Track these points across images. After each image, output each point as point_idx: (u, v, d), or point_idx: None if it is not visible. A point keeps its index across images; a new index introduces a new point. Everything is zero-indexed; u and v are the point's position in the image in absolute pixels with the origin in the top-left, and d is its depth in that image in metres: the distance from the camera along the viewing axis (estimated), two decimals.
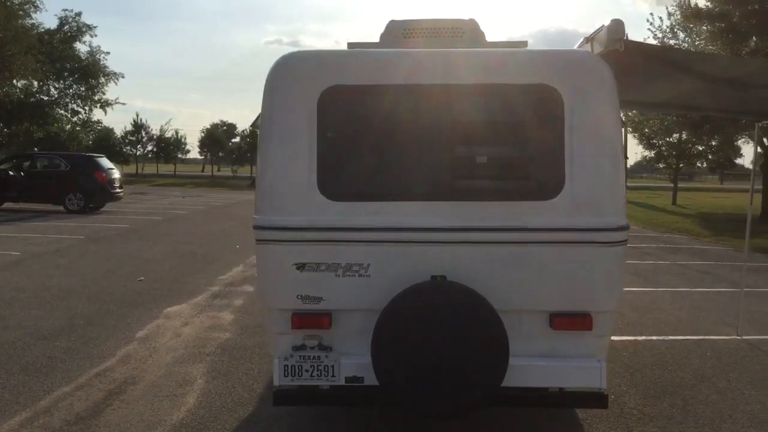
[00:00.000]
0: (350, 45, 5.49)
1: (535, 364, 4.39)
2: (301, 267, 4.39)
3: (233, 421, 5.29)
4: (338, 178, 4.44)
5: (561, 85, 4.35)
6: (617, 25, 4.48)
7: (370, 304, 4.41)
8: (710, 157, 40.76)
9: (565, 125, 4.34)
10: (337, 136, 4.47)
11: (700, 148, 38.46)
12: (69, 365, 6.62)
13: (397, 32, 5.51)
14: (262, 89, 4.65)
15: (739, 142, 36.84)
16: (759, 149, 25.42)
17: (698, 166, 50.80)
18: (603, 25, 4.58)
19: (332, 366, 4.39)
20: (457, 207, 4.35)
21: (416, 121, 4.46)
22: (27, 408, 5.53)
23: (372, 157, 4.52)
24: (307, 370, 4.40)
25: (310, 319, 4.44)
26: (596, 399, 4.39)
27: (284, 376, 4.41)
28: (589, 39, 4.81)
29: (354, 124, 4.53)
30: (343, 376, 4.39)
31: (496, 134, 4.43)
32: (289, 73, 4.50)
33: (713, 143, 36.92)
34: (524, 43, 4.95)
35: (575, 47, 4.95)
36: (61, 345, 7.28)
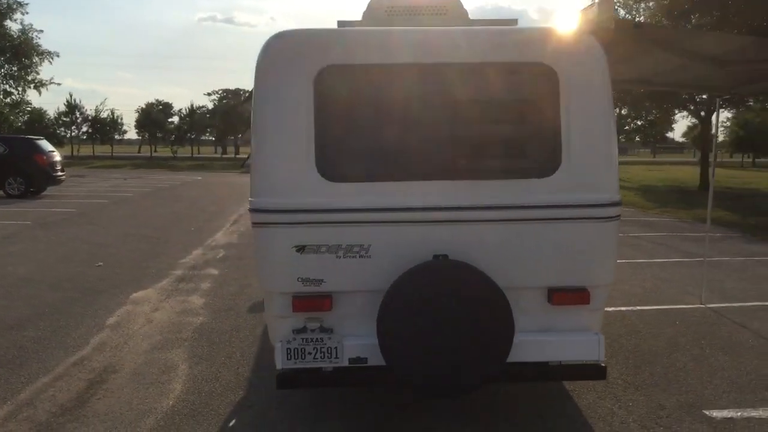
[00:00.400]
0: (340, 24, 5.42)
1: (535, 339, 4.45)
2: (301, 249, 4.35)
3: (226, 406, 5.23)
4: (337, 158, 4.39)
5: (557, 64, 4.38)
6: (608, 3, 4.52)
7: (372, 285, 4.40)
8: (648, 131, 41.89)
9: (561, 103, 4.37)
10: (335, 116, 4.41)
11: (639, 123, 39.46)
12: (42, 355, 6.43)
13: (380, 10, 5.46)
14: (254, 68, 4.55)
15: (677, 116, 37.90)
16: (696, 121, 26.08)
17: (636, 140, 52.12)
18: (594, 2, 4.62)
19: (335, 348, 4.37)
20: (457, 186, 4.35)
21: (415, 100, 4.43)
22: (8, 401, 5.35)
23: (371, 137, 4.48)
24: (310, 353, 4.37)
25: (312, 302, 4.40)
26: (595, 371, 4.49)
27: (287, 359, 4.37)
28: (576, 16, 4.84)
29: (351, 104, 4.48)
30: (347, 358, 4.38)
31: (494, 113, 4.44)
32: (284, 52, 4.41)
33: (650, 118, 37.91)
34: (514, 21, 4.96)
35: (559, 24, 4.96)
36: (30, 335, 7.06)
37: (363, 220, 4.33)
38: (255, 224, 4.44)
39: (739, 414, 4.95)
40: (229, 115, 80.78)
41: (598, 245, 4.46)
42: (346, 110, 4.46)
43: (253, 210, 4.43)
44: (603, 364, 4.48)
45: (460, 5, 5.50)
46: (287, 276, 4.39)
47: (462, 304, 4.10)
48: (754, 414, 4.95)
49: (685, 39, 5.39)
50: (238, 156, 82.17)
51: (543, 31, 4.54)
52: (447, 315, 4.10)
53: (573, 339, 4.47)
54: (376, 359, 4.38)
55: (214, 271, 10.57)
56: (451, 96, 4.33)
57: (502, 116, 4.42)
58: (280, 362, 4.37)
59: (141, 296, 8.87)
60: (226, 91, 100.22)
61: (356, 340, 4.41)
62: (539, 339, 4.46)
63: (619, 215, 4.50)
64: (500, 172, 4.39)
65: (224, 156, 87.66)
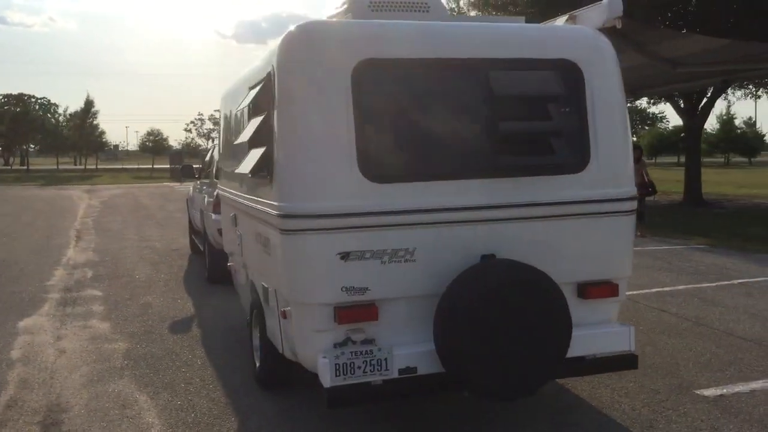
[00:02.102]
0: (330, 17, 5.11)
1: (573, 334, 4.46)
2: (345, 256, 4.04)
3: None
4: (379, 158, 4.13)
5: (581, 61, 4.44)
6: (617, 3, 4.65)
7: (418, 290, 4.19)
8: None
9: (587, 100, 4.44)
10: (375, 113, 4.13)
11: None
12: None
13: (363, 4, 5.21)
14: (276, 62, 4.18)
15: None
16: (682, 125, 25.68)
17: None
18: (601, 1, 4.72)
19: (385, 359, 4.09)
20: (498, 184, 4.27)
21: (453, 96, 4.30)
22: None
23: (412, 134, 4.26)
24: (359, 367, 4.06)
25: (357, 312, 4.10)
26: (629, 361, 4.59)
27: (335, 375, 4.03)
28: (572, 16, 4.93)
29: (391, 101, 4.23)
30: (396, 369, 4.12)
31: (528, 109, 4.39)
32: (316, 44, 4.09)
33: None
34: (521, 19, 4.96)
35: (557, 23, 5.04)
36: None
37: (409, 223, 4.11)
38: (288, 231, 4.06)
39: (725, 390, 5.30)
40: (18, 123, 74.20)
41: (622, 238, 4.58)
42: (386, 107, 4.21)
43: (288, 216, 4.05)
44: (635, 353, 4.60)
45: (440, 2, 5.40)
46: (329, 286, 4.06)
47: (526, 304, 4.02)
48: (739, 389, 5.31)
49: (653, 43, 5.68)
50: (30, 168, 75.72)
51: (566, 28, 4.59)
52: (512, 316, 3.98)
53: (606, 331, 4.54)
54: (425, 367, 4.17)
55: (97, 293, 9.61)
56: (488, 92, 4.23)
57: (536, 112, 4.38)
58: (328, 380, 4.02)
59: (30, 325, 7.84)
60: (7, 96, 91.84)
61: (404, 349, 4.16)
62: (576, 334, 4.46)
63: (635, 208, 4.64)
64: (536, 169, 4.36)
65: (13, 167, 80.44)
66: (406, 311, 4.21)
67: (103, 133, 77.91)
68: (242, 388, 5.58)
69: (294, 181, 4.09)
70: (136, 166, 77.92)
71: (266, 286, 4.86)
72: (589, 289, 4.48)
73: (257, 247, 4.94)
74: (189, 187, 13.08)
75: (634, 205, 4.58)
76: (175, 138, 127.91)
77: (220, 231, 9.05)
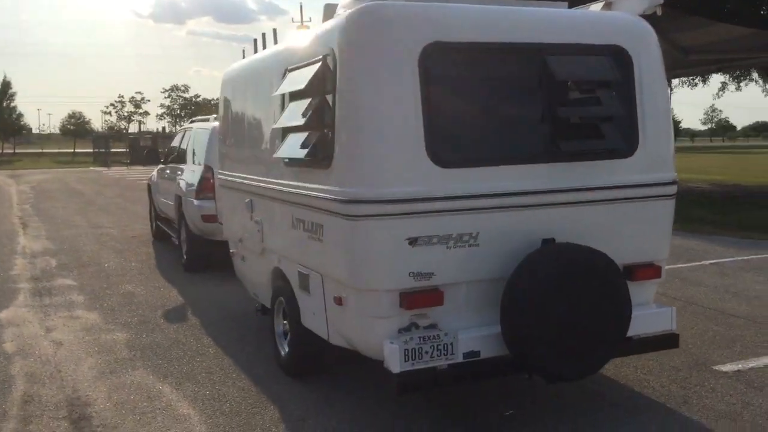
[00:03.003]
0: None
1: None
2: (413, 242, 4.01)
3: (273, 423, 4.64)
4: (446, 143, 4.10)
5: (630, 48, 4.52)
6: None
7: (480, 274, 4.21)
8: None
9: (635, 86, 4.53)
10: (441, 97, 4.11)
11: None
12: None
13: None
14: (339, 43, 4.10)
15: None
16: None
17: None
18: None
19: (451, 344, 4.10)
20: (558, 168, 4.32)
21: (515, 81, 4.32)
22: None
23: (477, 119, 4.26)
24: (427, 352, 4.05)
25: (424, 297, 4.09)
26: (672, 340, 4.73)
27: (404, 361, 4.01)
28: (608, 2, 5.01)
29: (456, 85, 4.22)
30: (461, 353, 4.13)
31: (585, 94, 4.45)
32: (385, 26, 4.03)
33: None
34: (563, 4, 5.00)
35: (592, 8, 5.10)
36: None
37: (475, 207, 4.12)
38: (355, 217, 4.00)
39: (740, 366, 5.53)
40: None
41: (665, 221, 4.71)
42: (451, 91, 4.20)
43: (355, 201, 3.99)
44: (677, 333, 4.75)
45: None
46: (397, 271, 4.03)
47: (593, 287, 4.09)
48: (753, 365, 5.56)
49: (672, 32, 5.83)
50: None
51: (615, 14, 4.66)
52: (580, 298, 4.05)
53: (652, 312, 4.67)
54: (488, 351, 4.20)
55: (70, 282, 9.26)
56: (549, 76, 4.26)
57: (592, 97, 4.45)
58: (397, 365, 3.99)
59: (12, 316, 7.50)
60: None
61: (468, 333, 4.18)
62: None
63: (676, 192, 4.77)
64: (592, 153, 4.43)
65: None
66: (468, 295, 4.23)
67: (21, 116, 74.67)
68: (267, 376, 5.49)
69: (361, 166, 4.03)
70: (57, 150, 75.04)
71: (306, 272, 4.78)
72: (637, 271, 4.59)
73: (296, 234, 4.85)
74: (153, 172, 12.69)
75: (675, 189, 4.71)
76: (94, 121, 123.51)
77: (204, 217, 8.88)
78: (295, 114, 4.66)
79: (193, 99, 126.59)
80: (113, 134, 75.79)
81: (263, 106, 5.60)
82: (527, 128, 4.34)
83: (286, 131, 4.88)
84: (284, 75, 4.96)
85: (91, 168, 43.20)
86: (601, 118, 4.45)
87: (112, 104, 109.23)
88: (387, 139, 4.00)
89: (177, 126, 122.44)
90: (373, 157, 4.00)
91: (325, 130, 4.27)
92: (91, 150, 58.70)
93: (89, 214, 17.30)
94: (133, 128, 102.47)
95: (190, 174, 9.60)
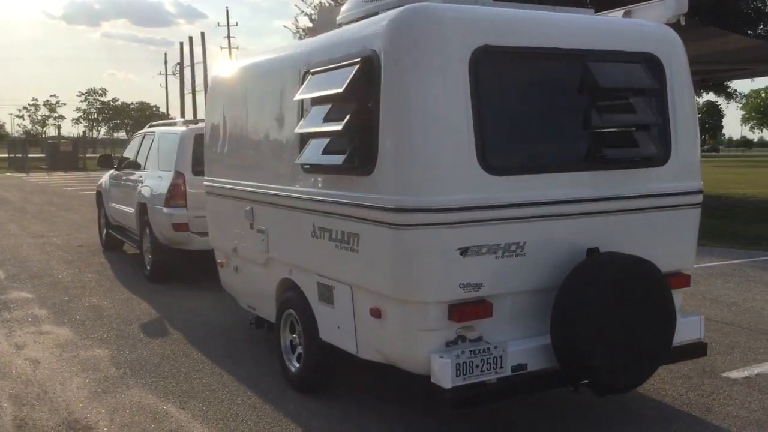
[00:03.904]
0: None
1: None
2: (464, 252, 3.87)
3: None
4: (496, 149, 3.98)
5: (663, 56, 4.52)
6: (684, 0, 4.76)
7: (527, 285, 4.11)
8: None
9: (668, 94, 4.53)
10: (490, 103, 3.97)
11: None
12: None
13: None
14: (385, 45, 3.94)
15: None
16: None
17: None
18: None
19: (500, 357, 3.97)
20: (600, 176, 4.27)
21: (561, 87, 4.25)
22: None
23: (526, 125, 4.16)
24: (477, 366, 3.91)
25: (474, 309, 3.95)
26: (701, 349, 4.73)
27: (456, 376, 3.85)
28: (629, 11, 5.00)
29: (504, 90, 4.11)
30: (509, 366, 4.01)
31: (626, 101, 4.40)
32: (435, 29, 3.89)
33: None
34: (590, 11, 4.95)
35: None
36: None
37: (523, 216, 4.02)
38: (404, 226, 3.83)
39: (746, 373, 5.61)
40: None
41: (692, 230, 4.72)
42: (500, 96, 4.07)
43: (405, 210, 3.83)
44: (705, 341, 4.76)
45: None
46: (448, 282, 3.89)
47: (644, 297, 4.04)
48: (759, 371, 5.64)
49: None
50: None
51: (646, 23, 4.65)
52: (632, 308, 4.00)
53: (683, 321, 4.64)
54: (535, 364, 4.10)
55: (26, 294, 8.71)
56: (593, 83, 4.20)
57: (632, 105, 4.40)
58: (449, 380, 3.84)
59: None
60: None
61: (515, 345, 4.06)
62: None
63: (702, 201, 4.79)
64: (631, 161, 4.40)
65: None
66: (513, 307, 4.12)
67: None
68: (276, 392, 5.23)
69: (410, 173, 3.87)
70: None
71: (330, 284, 4.58)
72: (670, 280, 4.56)
73: (317, 243, 4.63)
74: (103, 178, 12.10)
75: (701, 197, 4.72)
76: (6, 125, 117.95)
77: (175, 226, 8.52)
78: (321, 119, 4.45)
79: (111, 103, 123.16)
80: (30, 139, 72.68)
81: (271, 109, 5.35)
82: (572, 135, 4.27)
83: (308, 136, 4.66)
84: (304, 78, 4.74)
85: (8, 174, 41.15)
86: (641, 125, 4.43)
87: (25, 108, 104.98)
88: (438, 145, 3.85)
89: (94, 131, 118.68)
90: (424, 163, 3.85)
91: (366, 136, 4.08)
92: (6, 155, 56.04)
93: (24, 222, 16.41)
94: (49, 132, 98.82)
95: (155, 181, 9.17)
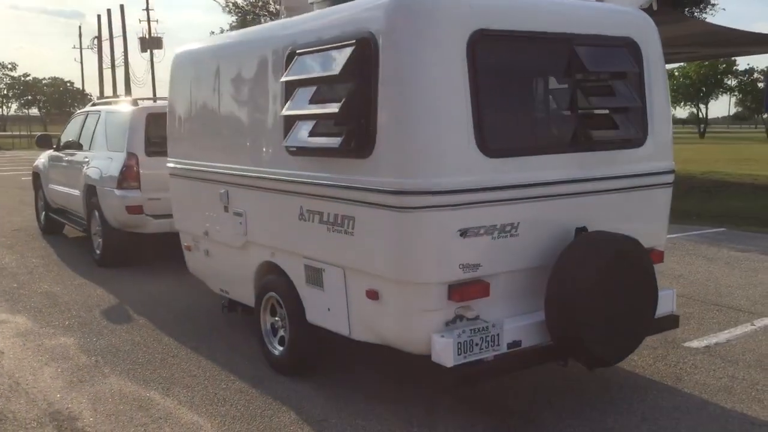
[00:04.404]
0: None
1: None
2: (464, 233, 3.95)
3: (296, 425, 4.43)
4: (493, 133, 4.06)
5: (640, 40, 4.68)
6: None
7: (520, 264, 4.24)
8: None
9: (644, 78, 4.70)
10: (486, 86, 4.03)
11: None
12: None
13: None
14: (384, 28, 3.95)
15: None
16: None
17: None
18: None
19: (497, 334, 4.08)
20: (587, 157, 4.41)
21: (551, 70, 4.36)
22: None
23: (519, 108, 4.27)
24: (477, 344, 4.01)
25: (472, 289, 4.05)
26: (673, 321, 4.96)
27: (458, 354, 3.95)
28: None
29: (500, 74, 4.18)
30: (506, 343, 4.13)
31: (607, 85, 4.54)
32: (433, 11, 3.92)
33: None
34: None
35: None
36: None
37: (518, 197, 4.12)
38: (406, 209, 3.88)
39: (706, 342, 5.92)
40: None
41: (665, 208, 4.94)
42: (496, 79, 4.15)
43: (405, 192, 3.87)
44: (677, 314, 4.99)
45: None
46: (448, 263, 3.96)
47: (632, 272, 4.22)
48: (716, 340, 5.96)
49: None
50: None
51: (624, 8, 4.79)
52: (622, 284, 4.17)
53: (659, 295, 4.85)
54: (529, 340, 4.24)
55: None
56: (581, 66, 4.32)
57: (616, 87, 4.54)
58: (451, 359, 3.93)
59: None
60: None
61: (510, 323, 4.18)
62: None
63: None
64: (616, 142, 4.56)
65: None
66: (506, 285, 4.23)
67: None
68: (261, 376, 5.21)
69: (411, 156, 3.91)
70: None
71: (319, 266, 4.59)
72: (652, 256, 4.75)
73: (305, 226, 4.63)
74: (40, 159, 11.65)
75: (673, 177, 4.93)
76: None
77: (129, 209, 8.34)
78: (312, 101, 4.43)
79: (22, 78, 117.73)
80: None
81: (250, 91, 5.28)
82: (561, 117, 4.40)
83: (295, 119, 4.63)
84: (290, 59, 4.69)
85: None
86: (624, 108, 4.59)
87: None
88: (438, 127, 3.90)
89: (4, 107, 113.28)
90: (425, 146, 3.89)
91: (362, 119, 4.09)
92: None
93: None
94: None
95: (104, 162, 8.89)
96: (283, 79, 4.66)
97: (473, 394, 4.78)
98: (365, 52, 4.04)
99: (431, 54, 3.89)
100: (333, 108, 4.20)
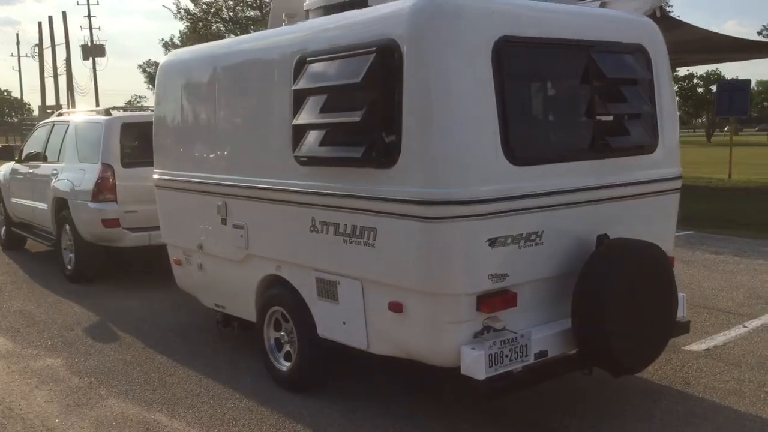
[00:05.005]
0: None
1: None
2: (493, 242, 3.89)
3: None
4: (519, 141, 4.00)
5: (650, 47, 4.71)
6: None
7: (544, 272, 4.20)
8: None
9: (654, 84, 4.73)
10: (512, 93, 3.98)
11: None
12: None
13: None
14: (408, 34, 3.86)
15: None
16: None
17: None
18: None
19: (525, 345, 4.03)
20: (606, 164, 4.40)
21: (572, 77, 4.34)
22: None
23: (544, 115, 4.24)
24: (506, 355, 3.95)
25: (500, 300, 3.98)
26: (685, 326, 4.98)
27: (489, 366, 3.88)
28: (604, 3, 5.17)
29: (525, 81, 4.17)
30: (533, 354, 4.08)
31: (624, 91, 4.52)
32: (459, 18, 3.85)
33: None
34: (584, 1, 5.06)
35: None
36: None
37: (543, 206, 4.08)
38: (434, 219, 3.80)
39: (705, 345, 5.97)
40: None
41: (674, 214, 4.97)
42: (521, 87, 4.12)
43: (434, 202, 3.79)
44: (688, 319, 5.02)
45: None
46: (477, 274, 3.90)
47: (657, 279, 4.22)
48: (715, 343, 6.03)
49: None
50: None
51: (633, 16, 4.81)
52: (648, 291, 4.16)
53: None
54: (554, 350, 4.20)
55: None
56: (599, 74, 4.31)
57: (630, 94, 4.54)
58: (482, 371, 3.85)
59: None
60: None
61: (537, 333, 4.13)
62: None
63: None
64: (628, 149, 4.55)
65: None
66: (532, 295, 4.18)
67: None
68: (267, 393, 5.05)
69: (440, 165, 3.83)
70: None
71: (333, 279, 4.48)
72: None
73: (318, 238, 4.51)
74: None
75: (681, 182, 4.97)
76: None
77: (105, 222, 8.07)
78: (327, 109, 4.32)
79: None
80: None
81: (253, 99, 5.13)
82: (581, 124, 4.38)
83: (306, 128, 4.50)
84: (300, 66, 4.56)
85: None
86: (640, 114, 4.60)
87: None
88: (466, 136, 3.84)
89: None
90: (453, 155, 3.82)
91: (386, 128, 4.00)
92: None
93: None
94: None
95: (76, 174, 8.57)
96: (294, 87, 4.53)
97: (494, 406, 4.71)
98: (388, 60, 3.95)
99: (458, 61, 3.82)
100: (354, 117, 4.10)
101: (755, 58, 20.08)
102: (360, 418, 4.62)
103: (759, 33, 64.11)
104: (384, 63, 3.97)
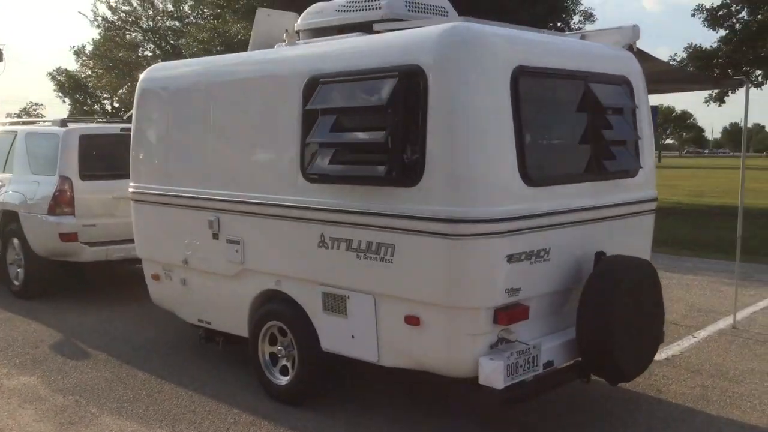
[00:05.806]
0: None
1: None
2: (510, 259, 4.13)
3: None
4: (534, 163, 4.26)
5: (632, 77, 5.10)
6: (637, 29, 5.38)
7: (550, 286, 4.47)
8: None
9: (637, 112, 5.11)
10: (527, 119, 4.24)
11: None
12: None
13: (400, 4, 5.15)
14: (435, 61, 4.07)
15: None
16: None
17: None
18: (621, 27, 5.40)
19: (536, 356, 4.27)
20: (601, 186, 4.73)
21: (574, 104, 4.62)
22: None
23: (552, 140, 4.51)
24: (521, 366, 4.18)
25: (515, 312, 4.22)
26: (662, 337, 5.33)
27: (507, 376, 4.10)
28: (585, 35, 5.53)
29: (537, 108, 4.42)
30: (542, 364, 4.33)
31: (617, 118, 4.85)
32: (482, 47, 4.10)
33: None
34: (576, 34, 5.38)
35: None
36: None
37: (552, 224, 4.36)
38: (458, 236, 4.01)
39: (665, 354, 6.39)
40: None
41: (650, 233, 5.35)
42: (534, 112, 4.37)
43: (458, 220, 4.00)
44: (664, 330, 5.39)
45: (452, 7, 5.59)
46: (496, 288, 4.12)
47: (651, 292, 4.56)
48: (672, 352, 6.46)
49: None
50: None
51: (617, 49, 5.18)
52: (645, 303, 4.50)
53: None
54: (559, 360, 4.46)
55: None
56: (596, 102, 4.64)
57: (622, 122, 4.88)
58: (501, 381, 4.06)
59: None
60: None
61: (545, 344, 4.39)
62: None
63: None
64: (618, 172, 4.89)
65: None
66: (539, 308, 4.43)
67: None
68: (265, 408, 5.09)
69: (463, 185, 4.03)
70: None
71: (342, 293, 4.61)
72: None
73: (329, 254, 4.63)
74: None
75: (656, 204, 5.37)
76: None
77: (62, 236, 7.87)
78: (339, 129, 4.48)
79: None
80: None
81: (255, 117, 5.19)
82: (581, 148, 4.67)
83: (318, 146, 4.62)
84: (311, 86, 4.67)
85: None
86: (629, 139, 4.95)
87: None
88: (488, 157, 4.07)
89: None
90: (476, 176, 4.04)
91: (409, 148, 4.18)
92: None
93: None
94: None
95: (29, 186, 8.29)
96: (307, 107, 4.64)
97: (492, 414, 4.93)
98: (413, 83, 4.14)
99: (481, 88, 4.05)
100: (377, 137, 4.25)
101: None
102: (363, 429, 4.73)
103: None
104: (408, 87, 4.16)
